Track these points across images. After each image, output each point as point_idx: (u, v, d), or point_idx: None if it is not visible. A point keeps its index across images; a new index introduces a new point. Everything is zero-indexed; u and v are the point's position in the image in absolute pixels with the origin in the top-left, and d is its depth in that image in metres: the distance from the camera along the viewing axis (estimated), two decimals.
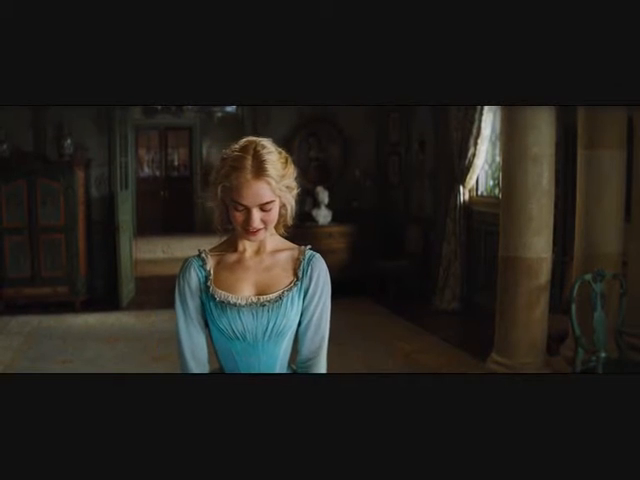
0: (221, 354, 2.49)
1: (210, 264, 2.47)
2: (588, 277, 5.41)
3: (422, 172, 10.21)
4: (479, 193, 9.18)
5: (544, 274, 5.77)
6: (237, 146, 2.38)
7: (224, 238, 2.53)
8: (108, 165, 10.06)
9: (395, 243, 10.52)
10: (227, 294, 2.42)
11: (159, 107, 9.64)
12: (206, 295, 2.44)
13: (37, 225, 9.54)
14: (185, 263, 2.49)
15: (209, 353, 2.52)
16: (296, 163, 8.44)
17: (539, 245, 5.71)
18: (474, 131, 8.54)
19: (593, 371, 5.12)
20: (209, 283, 2.44)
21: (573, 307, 5.28)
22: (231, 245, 2.51)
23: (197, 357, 2.50)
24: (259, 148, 2.33)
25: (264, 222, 2.35)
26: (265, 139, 2.39)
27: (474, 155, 8.65)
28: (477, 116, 8.42)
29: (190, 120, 12.71)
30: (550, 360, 5.97)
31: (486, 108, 8.19)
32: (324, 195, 10.40)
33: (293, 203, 2.45)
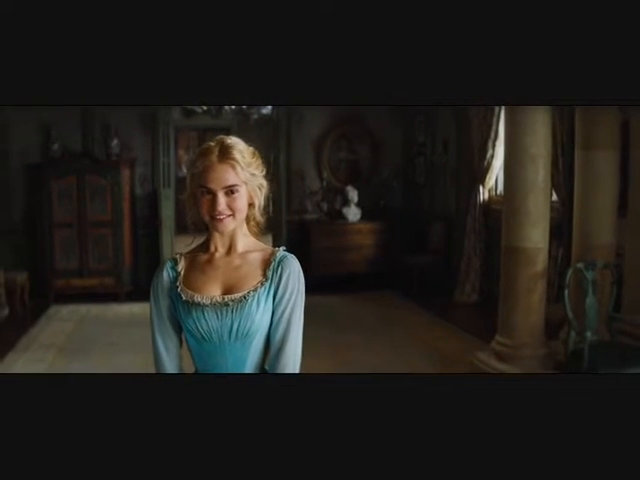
0: (193, 355, 2.51)
1: (182, 265, 2.51)
2: (580, 265, 6.03)
3: (445, 172, 10.81)
4: (498, 192, 9.69)
5: (541, 262, 6.41)
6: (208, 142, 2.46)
7: (200, 239, 2.54)
8: (151, 164, 10.81)
9: (419, 240, 11.07)
10: (192, 293, 2.44)
11: (201, 109, 10.28)
12: (175, 295, 2.46)
13: (86, 220, 10.24)
14: (160, 264, 2.56)
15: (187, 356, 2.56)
16: (328, 163, 9.35)
17: (536, 236, 6.35)
18: (492, 134, 9.13)
19: (582, 351, 5.74)
20: (178, 283, 2.47)
21: (566, 292, 5.93)
22: (204, 246, 2.53)
23: (170, 354, 2.52)
24: (226, 138, 2.42)
25: (231, 209, 2.39)
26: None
27: (492, 157, 9.26)
28: (495, 120, 9.01)
29: (228, 121, 12.76)
30: (549, 343, 6.61)
31: (503, 112, 8.80)
32: (354, 194, 11.07)
33: (261, 198, 2.49)
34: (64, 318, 9.44)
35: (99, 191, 10.22)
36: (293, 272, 2.48)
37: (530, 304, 6.43)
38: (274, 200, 11.54)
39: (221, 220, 2.39)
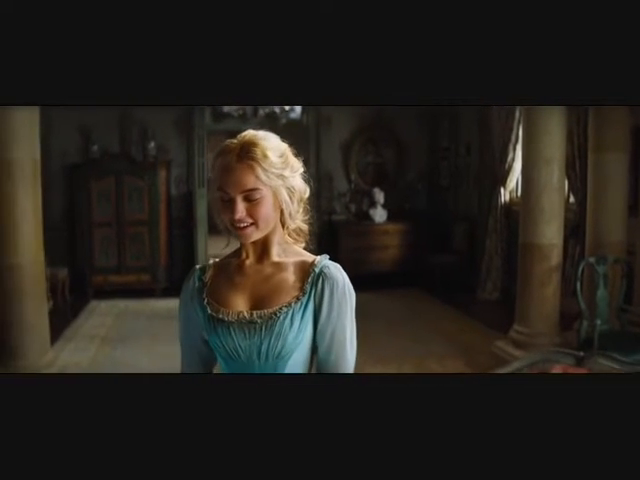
0: (224, 371, 2.25)
1: (209, 274, 2.25)
2: (592, 260, 6.61)
3: (468, 175, 11.38)
4: (518, 194, 9.97)
5: (555, 258, 7.02)
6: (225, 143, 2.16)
7: (236, 243, 2.25)
8: (186, 166, 11.42)
9: (443, 240, 11.63)
10: (217, 307, 2.17)
11: (237, 112, 10.81)
12: (200, 307, 2.19)
13: (123, 219, 10.82)
14: (190, 272, 2.30)
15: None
16: (355, 166, 10.02)
17: (550, 233, 6.96)
18: (513, 137, 9.69)
19: (593, 339, 6.30)
20: (204, 295, 2.20)
21: (578, 285, 6.51)
22: (237, 253, 2.26)
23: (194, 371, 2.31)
24: (252, 135, 2.13)
25: (252, 217, 2.10)
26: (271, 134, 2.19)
27: (513, 159, 9.80)
28: (515, 123, 9.56)
29: (257, 125, 13.16)
30: (563, 333, 7.18)
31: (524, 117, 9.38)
32: (380, 196, 11.63)
33: (292, 203, 2.18)
34: (104, 312, 9.99)
35: (137, 191, 10.79)
36: (337, 284, 2.16)
37: (545, 296, 7.03)
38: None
39: (242, 229, 2.11)
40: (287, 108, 11.81)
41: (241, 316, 2.15)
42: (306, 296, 2.15)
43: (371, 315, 9.39)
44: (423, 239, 11.63)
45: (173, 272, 11.17)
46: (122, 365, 7.21)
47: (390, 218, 11.76)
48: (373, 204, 11.70)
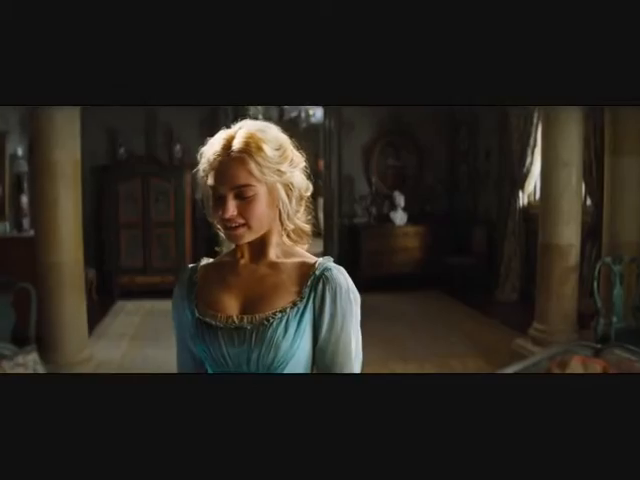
0: None
1: (200, 273, 2.07)
2: (608, 260, 6.93)
3: (487, 179, 11.72)
4: (536, 197, 10.43)
5: (573, 258, 7.35)
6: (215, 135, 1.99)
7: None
8: None
9: (462, 242, 11.96)
10: (205, 310, 2.00)
11: (261, 116, 11.07)
12: (189, 309, 2.03)
13: (150, 221, 11.11)
14: (179, 272, 2.15)
15: None
16: (376, 170, 10.35)
17: (569, 233, 7.29)
18: (531, 142, 10.01)
19: (609, 336, 6.60)
20: (193, 296, 2.04)
21: (595, 284, 6.84)
22: (232, 252, 2.07)
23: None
24: (247, 125, 1.96)
25: (243, 216, 1.91)
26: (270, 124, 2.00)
27: (531, 163, 10.10)
28: (533, 129, 9.89)
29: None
30: (581, 331, 7.49)
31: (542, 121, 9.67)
32: (400, 199, 11.96)
33: (290, 201, 1.99)
34: (131, 312, 10.33)
35: (163, 193, 11.11)
36: (341, 289, 1.95)
37: (563, 294, 7.36)
38: (325, 204, 12.53)
39: (233, 229, 1.92)
40: (311, 112, 12.16)
41: (230, 321, 1.96)
42: (304, 301, 1.95)
43: (392, 316, 9.73)
44: (442, 241, 11.93)
45: None
46: (153, 362, 7.49)
47: (410, 221, 12.06)
48: (393, 207, 12.02)
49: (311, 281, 1.96)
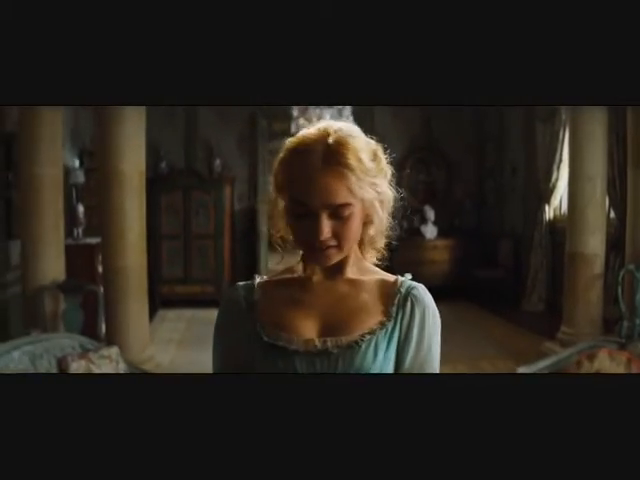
0: None
1: (259, 293, 1.83)
2: (631, 267, 7.60)
3: (513, 193, 12.36)
4: (562, 211, 10.97)
5: (598, 266, 8.05)
6: (293, 140, 1.74)
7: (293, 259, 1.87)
8: (248, 182, 12.49)
9: (490, 255, 12.55)
10: (276, 333, 1.76)
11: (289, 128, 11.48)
12: (251, 335, 1.78)
13: (190, 232, 11.74)
14: (228, 292, 1.90)
15: None
16: (407, 185, 10.98)
17: (594, 243, 8.00)
18: (557, 158, 10.61)
19: (632, 336, 7.25)
20: (254, 318, 1.79)
21: (619, 289, 7.53)
22: (292, 269, 1.87)
23: None
24: (337, 129, 1.70)
25: (337, 237, 1.69)
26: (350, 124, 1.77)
27: (557, 179, 10.72)
28: (559, 145, 10.51)
29: None
30: (606, 334, 8.12)
31: (567, 139, 10.24)
32: (431, 213, 12.56)
33: (383, 216, 1.79)
34: (174, 319, 10.94)
35: (203, 206, 11.73)
36: (429, 310, 1.84)
37: (589, 300, 8.04)
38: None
39: (322, 251, 1.71)
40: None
41: (311, 345, 1.75)
42: (392, 322, 1.78)
43: None
44: (471, 254, 12.52)
45: (235, 284, 12.00)
46: (200, 365, 8.10)
47: (440, 234, 12.63)
48: (424, 221, 12.58)
49: (398, 300, 1.80)
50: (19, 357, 4.94)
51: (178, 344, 9.51)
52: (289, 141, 1.73)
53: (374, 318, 1.78)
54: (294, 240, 1.76)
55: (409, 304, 1.81)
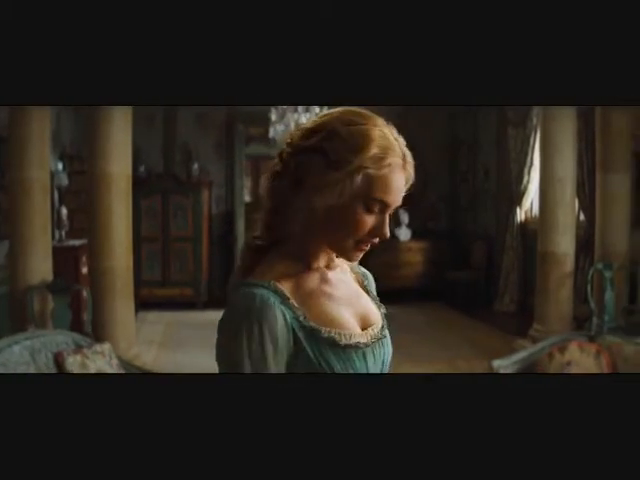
0: None
1: (289, 295, 1.67)
2: (600, 266, 8.00)
3: (486, 196, 12.71)
4: (533, 214, 11.32)
5: (568, 265, 8.42)
6: (359, 117, 1.67)
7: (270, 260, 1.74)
8: (225, 186, 12.74)
9: (463, 257, 12.88)
10: (339, 333, 1.68)
11: (273, 139, 11.70)
12: (311, 339, 1.65)
13: (169, 235, 11.94)
14: (255, 302, 1.61)
15: None
16: None
17: (564, 243, 8.38)
18: (528, 161, 11.00)
19: (601, 333, 7.58)
20: (306, 323, 1.65)
21: (589, 287, 7.92)
22: (297, 262, 1.73)
23: None
24: (388, 126, 1.70)
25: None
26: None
27: (528, 182, 11.11)
28: (530, 149, 10.90)
29: (281, 149, 13.63)
30: (576, 332, 8.46)
31: (537, 144, 10.49)
32: (405, 216, 12.85)
33: None
34: (154, 321, 11.07)
35: (181, 209, 11.93)
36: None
37: (560, 298, 8.41)
38: None
39: (365, 248, 1.72)
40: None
41: (372, 335, 1.76)
42: (382, 308, 1.89)
43: (399, 325, 10.65)
44: (444, 256, 12.87)
45: (213, 286, 12.27)
46: (183, 366, 8.16)
47: (414, 237, 12.94)
48: (398, 224, 12.81)
49: (367, 283, 1.91)
50: (20, 351, 5.18)
51: (159, 345, 9.68)
52: (380, 137, 1.65)
53: (374, 306, 1.86)
54: (351, 235, 1.67)
55: (368, 281, 1.93)
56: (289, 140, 1.72)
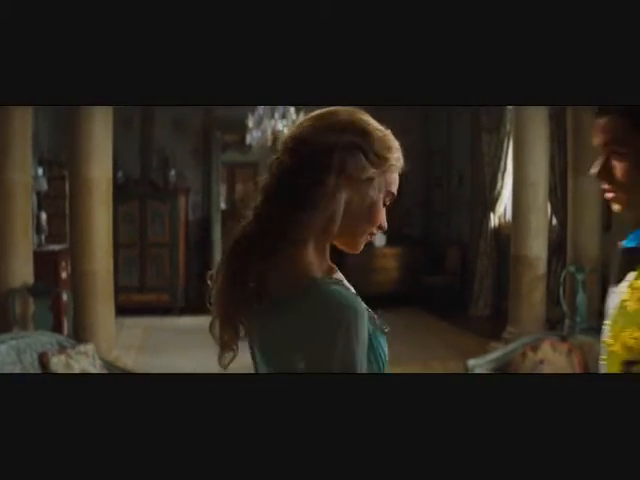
0: None
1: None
2: (572, 269, 8.22)
3: (460, 202, 12.92)
4: (507, 219, 11.49)
5: (541, 268, 8.65)
6: (368, 119, 1.84)
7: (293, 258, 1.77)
8: (202, 193, 12.90)
9: (438, 262, 13.03)
10: (375, 320, 1.82)
11: (249, 145, 11.75)
12: (373, 329, 1.77)
13: (146, 241, 12.05)
14: (348, 299, 1.70)
15: None
16: None
17: (537, 247, 8.61)
18: (501, 167, 11.22)
19: (574, 335, 7.80)
20: (369, 312, 1.78)
21: (561, 289, 8.13)
22: (320, 261, 1.82)
23: None
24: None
25: None
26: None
27: (502, 187, 11.32)
28: (503, 155, 11.12)
29: (255, 157, 13.37)
30: (549, 333, 8.69)
31: (511, 149, 10.67)
32: None
33: None
34: (131, 326, 11.13)
35: (158, 215, 12.06)
36: None
37: (533, 301, 8.64)
38: None
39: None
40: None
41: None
42: None
43: None
44: (419, 262, 13.04)
45: (190, 292, 12.37)
46: (162, 369, 8.15)
47: (388, 242, 13.02)
48: None
49: None
50: (7, 351, 5.31)
51: (138, 349, 9.83)
52: (388, 134, 1.84)
53: None
54: (370, 226, 1.84)
55: None
56: (300, 136, 1.79)
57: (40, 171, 10.26)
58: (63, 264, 8.98)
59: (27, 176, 7.41)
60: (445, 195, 13.47)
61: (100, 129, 7.78)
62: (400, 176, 1.90)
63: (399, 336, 10.34)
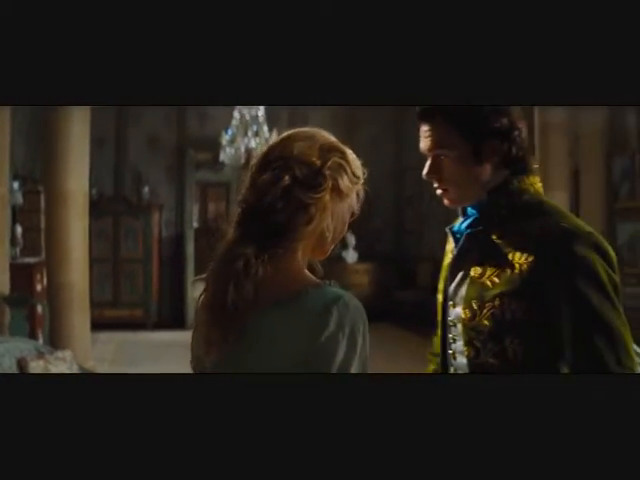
0: None
1: None
2: None
3: (432, 219, 12.94)
4: None
5: None
6: (336, 142, 1.92)
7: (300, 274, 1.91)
8: (175, 210, 12.99)
9: (409, 278, 13.20)
10: None
11: (222, 162, 11.76)
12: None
13: (119, 257, 12.18)
14: (354, 301, 1.87)
15: None
16: None
17: None
18: None
19: None
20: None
21: None
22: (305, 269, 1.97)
23: None
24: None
25: None
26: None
27: None
28: None
29: (227, 176, 13.70)
30: None
31: None
32: (351, 239, 13.12)
33: None
34: (105, 341, 11.16)
35: (132, 231, 12.20)
36: None
37: None
38: None
39: None
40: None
41: None
42: None
43: None
44: (391, 278, 13.21)
45: (163, 307, 12.54)
46: None
47: (360, 259, 13.21)
48: (345, 246, 13.08)
49: None
50: None
51: (111, 363, 9.95)
52: (351, 153, 1.93)
53: None
54: (336, 238, 1.95)
55: None
56: (290, 154, 1.85)
57: (16, 185, 10.33)
58: (38, 277, 9.05)
59: (4, 189, 7.50)
60: (416, 213, 13.61)
61: (77, 142, 7.88)
62: (367, 193, 2.04)
63: (372, 350, 10.45)
